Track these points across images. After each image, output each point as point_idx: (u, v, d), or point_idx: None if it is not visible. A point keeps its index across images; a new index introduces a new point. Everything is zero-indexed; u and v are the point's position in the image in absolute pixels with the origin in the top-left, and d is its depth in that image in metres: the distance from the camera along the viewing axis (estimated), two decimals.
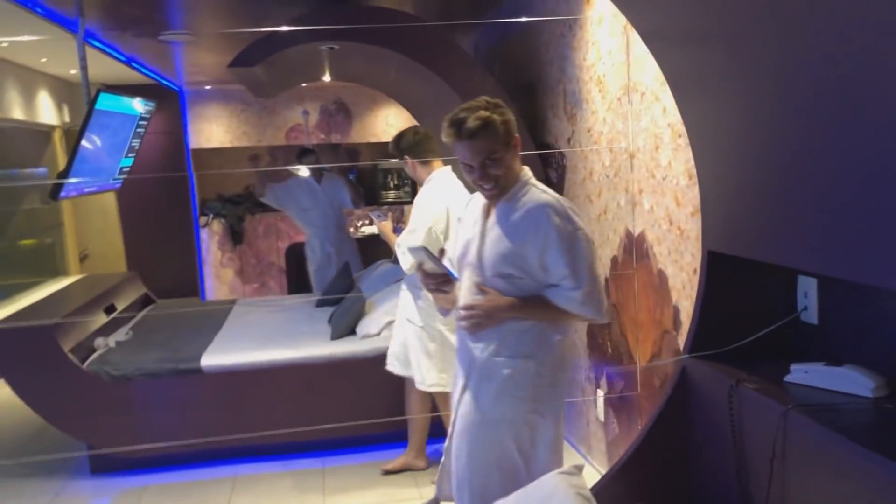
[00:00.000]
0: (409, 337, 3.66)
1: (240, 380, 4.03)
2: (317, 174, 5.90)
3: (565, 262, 2.12)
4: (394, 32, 3.86)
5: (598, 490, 2.00)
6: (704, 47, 1.86)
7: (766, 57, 1.67)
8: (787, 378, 1.84)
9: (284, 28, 3.72)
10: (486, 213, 2.29)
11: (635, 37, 3.02)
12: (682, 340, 2.84)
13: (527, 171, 2.27)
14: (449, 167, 3.64)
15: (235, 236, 8.19)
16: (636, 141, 3.11)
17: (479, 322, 2.21)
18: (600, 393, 3.68)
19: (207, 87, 7.77)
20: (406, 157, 3.60)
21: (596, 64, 3.47)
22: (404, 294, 3.72)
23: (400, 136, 3.65)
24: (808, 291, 2.01)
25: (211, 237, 8.15)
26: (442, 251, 2.36)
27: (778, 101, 1.70)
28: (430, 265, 2.30)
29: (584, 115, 3.65)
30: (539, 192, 2.22)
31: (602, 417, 3.66)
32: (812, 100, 1.58)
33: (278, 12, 4.27)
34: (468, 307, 2.23)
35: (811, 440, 1.61)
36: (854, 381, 1.71)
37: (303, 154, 6.00)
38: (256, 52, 3.82)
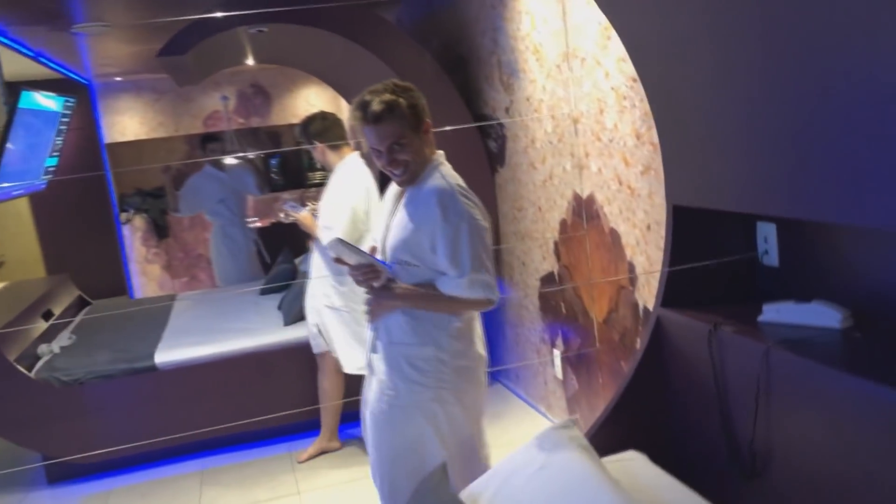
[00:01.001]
0: (331, 322, 3.69)
1: (196, 373, 3.99)
2: (219, 163, 5.82)
3: (449, 250, 2.10)
4: (325, 12, 3.84)
5: (589, 438, 2.09)
6: (663, 9, 1.95)
7: (723, 14, 1.77)
8: (761, 318, 1.97)
9: (218, 14, 3.65)
10: (398, 199, 2.27)
11: (572, 4, 3.11)
12: (639, 294, 2.98)
13: (439, 156, 2.24)
14: (358, 153, 3.67)
15: (159, 230, 7.98)
16: (579, 106, 3.21)
17: (372, 310, 2.22)
18: (557, 352, 3.81)
19: (118, 79, 7.50)
20: (315, 142, 3.59)
21: (531, 33, 3.54)
22: (323, 281, 3.69)
23: (308, 121, 3.64)
24: (767, 236, 2.15)
25: (134, 233, 7.92)
26: (373, 249, 2.32)
27: (733, 56, 1.80)
28: (351, 257, 2.18)
29: (521, 84, 3.73)
30: (439, 177, 2.17)
31: (560, 376, 3.79)
32: (764, 52, 1.69)
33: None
34: (372, 291, 2.21)
35: (793, 373, 1.74)
36: (824, 315, 1.85)
37: (208, 141, 5.91)
38: (187, 38, 3.75)
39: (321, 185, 8.22)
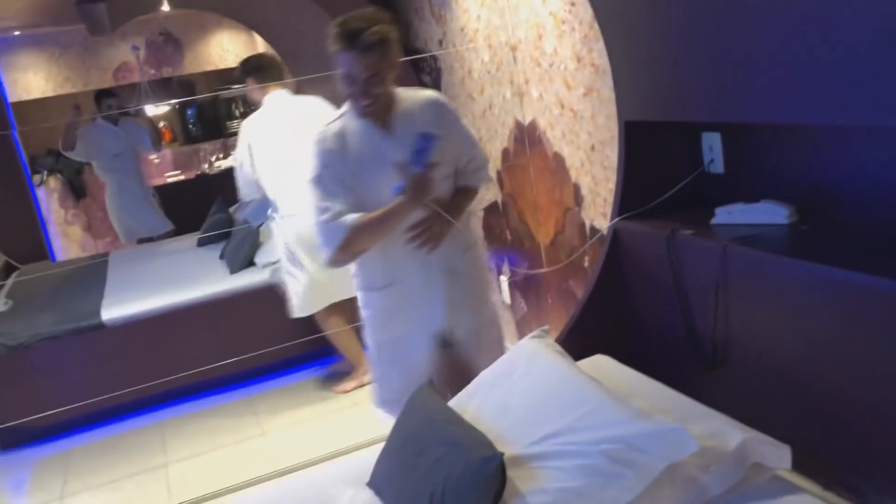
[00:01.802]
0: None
1: (146, 328, 3.95)
2: (112, 117, 5.66)
3: (472, 142, 2.37)
4: None
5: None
6: None
7: None
8: (714, 220, 2.11)
9: None
10: (374, 135, 2.19)
11: None
12: (585, 214, 3.10)
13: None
14: (284, 90, 3.69)
15: (77, 190, 7.70)
16: (517, 33, 3.27)
17: (437, 235, 2.22)
18: (503, 279, 3.93)
19: (16, 34, 7.11)
20: (248, 79, 3.65)
21: None
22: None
23: (247, 60, 3.75)
24: (712, 145, 2.29)
25: (49, 195, 7.63)
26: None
27: None
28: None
29: (454, 14, 3.75)
30: (412, 90, 2.30)
31: (508, 300, 3.93)
32: None
33: None
34: (423, 223, 2.19)
35: (748, 266, 1.89)
36: (772, 213, 2.00)
37: (104, 96, 5.73)
38: None
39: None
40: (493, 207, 3.87)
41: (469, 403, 1.98)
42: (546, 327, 2.14)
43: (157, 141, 5.91)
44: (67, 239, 7.73)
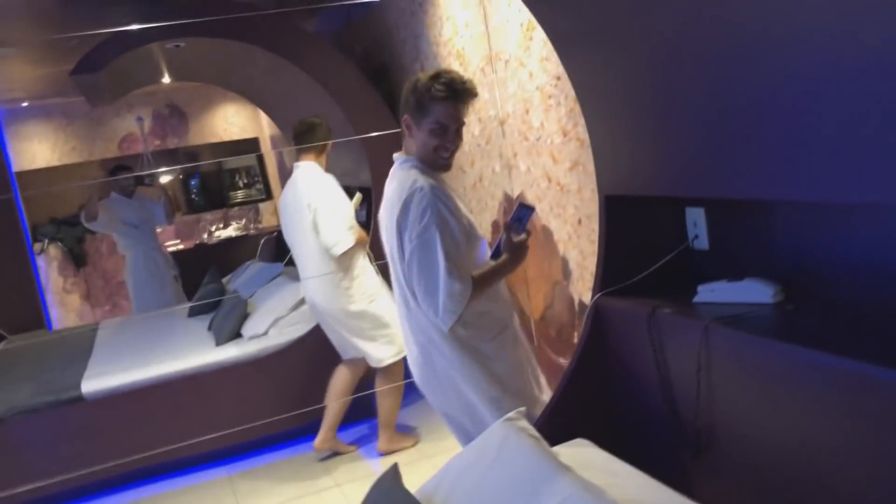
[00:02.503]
0: (346, 324, 3.65)
1: (126, 401, 3.85)
2: (126, 191, 5.68)
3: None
4: (245, 24, 3.78)
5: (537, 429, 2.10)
6: (587, 7, 1.99)
7: (644, 11, 1.82)
8: (696, 299, 2.02)
9: (134, 27, 3.56)
10: (450, 191, 2.32)
11: (493, 7, 3.15)
12: (573, 289, 3.02)
13: None
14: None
15: (77, 259, 7.69)
16: (505, 107, 3.25)
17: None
18: None
19: (24, 104, 7.22)
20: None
21: (453, 38, 3.57)
22: (320, 283, 3.61)
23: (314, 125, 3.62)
24: (696, 221, 2.21)
25: (49, 263, 7.61)
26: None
27: (654, 44, 1.85)
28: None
29: None
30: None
31: None
32: (684, 39, 1.75)
33: (105, 16, 4.05)
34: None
35: (731, 347, 1.79)
36: (756, 291, 1.91)
37: (118, 170, 5.78)
38: (101, 55, 3.63)
39: (243, 204, 8.12)
40: None
41: (436, 493, 1.86)
42: (522, 409, 2.03)
43: (170, 213, 5.89)
44: (65, 308, 7.68)
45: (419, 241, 2.15)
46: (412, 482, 1.94)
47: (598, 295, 2.24)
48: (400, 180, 2.25)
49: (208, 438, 3.69)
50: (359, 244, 3.54)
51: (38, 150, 7.43)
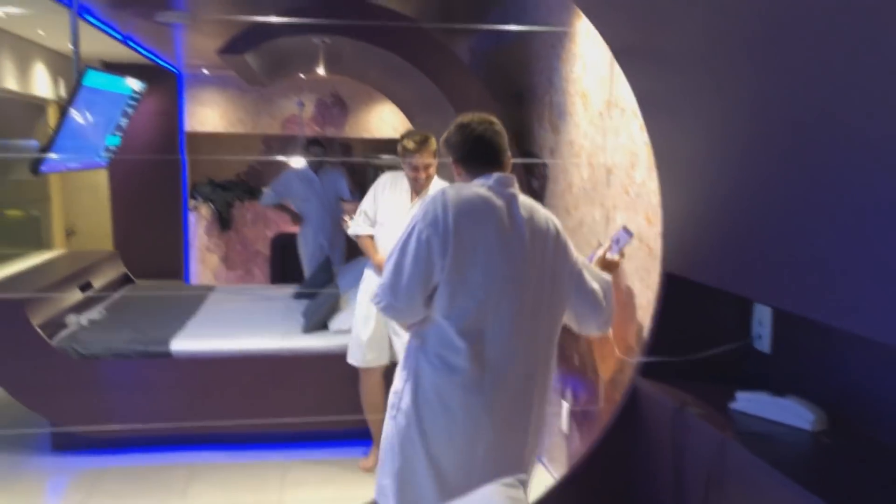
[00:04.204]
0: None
1: (207, 366, 4.02)
2: (315, 165, 5.86)
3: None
4: (385, 31, 3.86)
5: (540, 503, 1.99)
6: (672, 68, 1.86)
7: (736, 83, 1.67)
8: (733, 405, 1.84)
9: (273, 19, 3.71)
10: None
11: None
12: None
13: None
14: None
15: (223, 222, 8.16)
16: (614, 157, 3.11)
17: None
18: (565, 405, 3.68)
19: (205, 72, 7.75)
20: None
21: (582, 77, 3.46)
22: None
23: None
24: (762, 320, 2.01)
25: (199, 221, 8.12)
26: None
27: (742, 129, 1.69)
28: None
29: (567, 127, 3.65)
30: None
31: (566, 429, 3.66)
32: (779, 131, 1.58)
33: (277, 1, 4.26)
34: None
35: (746, 470, 1.61)
36: (795, 414, 1.71)
37: (311, 144, 5.98)
38: (244, 41, 3.82)
39: None
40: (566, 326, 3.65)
41: None
42: (524, 476, 1.92)
43: (353, 189, 6.04)
44: (204, 265, 8.17)
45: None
46: None
47: (639, 375, 2.09)
48: (532, 201, 2.27)
49: (271, 421, 3.79)
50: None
51: (209, 116, 7.94)
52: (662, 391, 1.99)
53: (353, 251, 6.18)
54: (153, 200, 8.14)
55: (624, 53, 2.06)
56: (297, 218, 5.90)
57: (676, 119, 1.96)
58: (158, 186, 8.09)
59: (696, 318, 2.10)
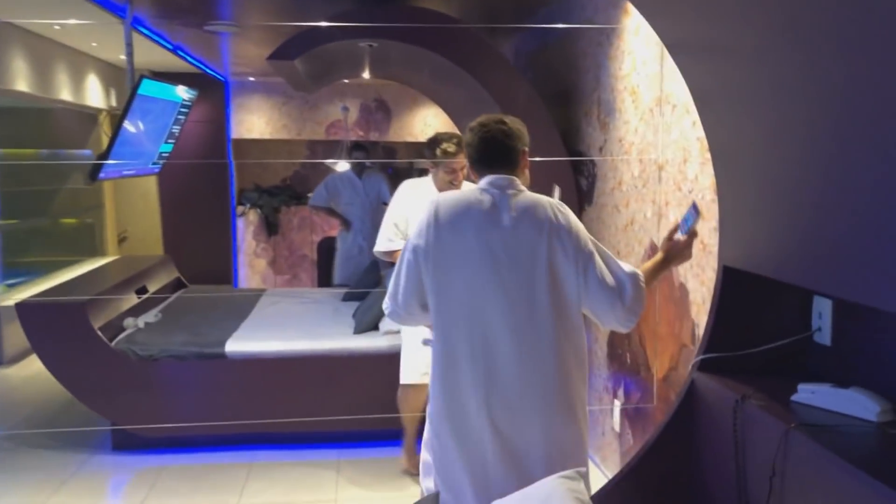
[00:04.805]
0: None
1: (262, 367, 4.10)
2: (357, 169, 5.94)
3: None
4: (431, 33, 3.90)
5: (599, 497, 2.00)
6: (729, 61, 1.86)
7: (791, 74, 1.66)
8: (794, 397, 1.83)
9: (323, 24, 3.78)
10: None
11: None
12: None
13: None
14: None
15: (270, 227, 8.30)
16: (665, 153, 3.10)
17: None
18: (617, 403, 3.67)
19: (251, 79, 7.89)
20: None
21: (630, 74, 3.46)
22: None
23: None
24: (822, 312, 2.00)
25: (246, 226, 8.27)
26: None
27: (802, 120, 1.69)
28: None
29: (616, 124, 3.65)
30: None
31: (618, 428, 3.66)
32: (836, 121, 1.57)
33: (322, 7, 4.34)
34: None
35: (811, 461, 1.60)
36: (859, 404, 1.69)
37: (354, 148, 6.07)
38: (294, 46, 3.89)
39: None
40: None
41: None
42: (583, 469, 1.93)
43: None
44: (252, 269, 8.31)
45: (593, 247, 2.07)
46: None
47: (697, 370, 2.09)
48: (536, 199, 2.14)
49: (327, 420, 3.84)
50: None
51: (255, 122, 8.08)
52: (722, 385, 1.98)
53: None
54: (202, 206, 8.30)
55: (677, 47, 2.06)
56: (344, 221, 5.98)
57: (732, 111, 1.96)
58: (207, 193, 8.24)
59: (755, 311, 2.08)
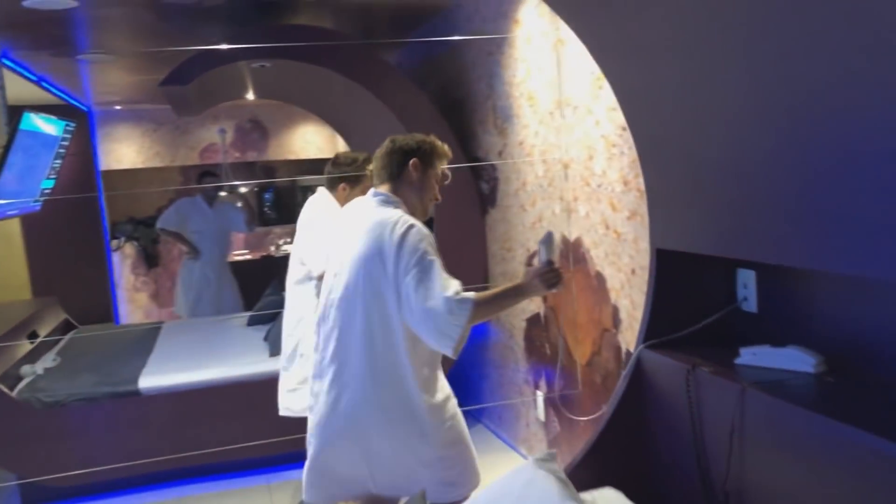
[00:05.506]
0: None
1: (179, 400, 3.99)
2: (209, 197, 5.87)
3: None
4: (327, 51, 3.94)
5: (567, 475, 2.12)
6: (650, 59, 2.04)
7: (708, 67, 1.86)
8: (738, 360, 2.02)
9: (223, 46, 3.74)
10: None
11: (566, 55, 3.22)
12: (622, 337, 3.03)
13: None
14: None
15: (149, 259, 8.01)
16: (570, 152, 3.30)
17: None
18: (539, 394, 3.84)
19: (118, 108, 7.59)
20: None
21: (526, 80, 3.65)
22: None
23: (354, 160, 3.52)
24: (747, 283, 2.22)
25: (123, 261, 7.94)
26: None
27: (718, 107, 1.89)
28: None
29: (514, 129, 3.83)
30: None
31: (542, 417, 3.82)
32: (747, 98, 1.77)
33: (199, 32, 4.28)
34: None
35: (767, 414, 1.79)
36: (798, 360, 1.91)
37: (205, 175, 5.99)
38: (191, 69, 3.83)
39: None
40: (535, 319, 3.82)
41: None
42: (553, 451, 2.05)
43: (250, 221, 6.03)
44: (133, 304, 7.98)
45: (424, 265, 2.12)
46: None
47: (642, 346, 2.26)
48: (384, 215, 2.23)
49: (253, 445, 3.79)
50: None
51: (124, 152, 7.78)
52: (668, 357, 2.16)
53: (246, 284, 6.19)
54: (72, 244, 7.86)
55: (599, 50, 2.23)
56: (192, 249, 5.87)
57: (656, 105, 2.14)
58: (77, 229, 7.80)
59: (686, 288, 2.28)
